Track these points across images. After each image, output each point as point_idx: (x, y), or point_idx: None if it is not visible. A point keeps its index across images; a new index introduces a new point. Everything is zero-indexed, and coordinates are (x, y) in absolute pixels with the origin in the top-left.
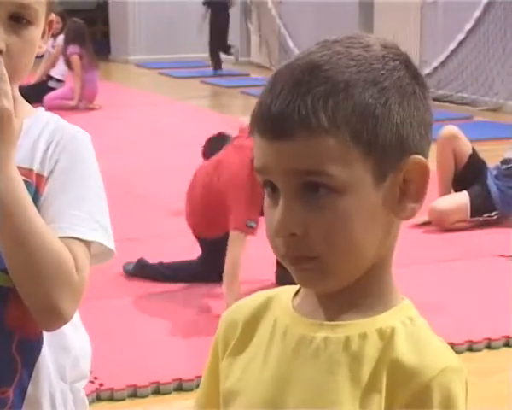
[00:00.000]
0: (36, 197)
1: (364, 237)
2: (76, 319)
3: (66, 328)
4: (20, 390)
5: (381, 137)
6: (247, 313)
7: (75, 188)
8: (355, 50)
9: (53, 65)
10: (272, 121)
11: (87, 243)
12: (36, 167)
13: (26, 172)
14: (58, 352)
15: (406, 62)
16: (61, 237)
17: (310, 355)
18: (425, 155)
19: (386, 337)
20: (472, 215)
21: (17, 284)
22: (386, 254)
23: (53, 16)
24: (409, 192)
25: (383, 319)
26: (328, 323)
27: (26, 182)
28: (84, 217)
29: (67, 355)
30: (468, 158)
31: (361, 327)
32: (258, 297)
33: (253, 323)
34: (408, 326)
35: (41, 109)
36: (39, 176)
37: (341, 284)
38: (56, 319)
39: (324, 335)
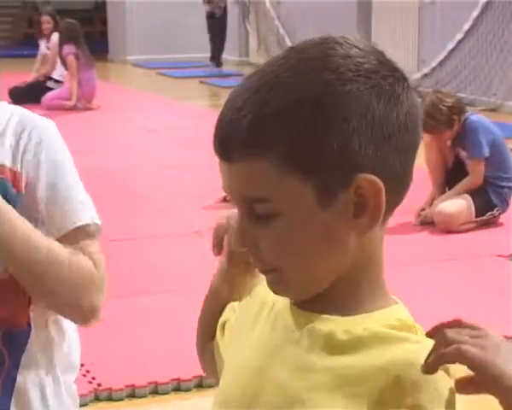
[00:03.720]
0: (12, 193)
1: (314, 255)
2: None
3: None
4: (9, 381)
5: (321, 157)
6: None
7: (65, 181)
8: (314, 62)
9: (53, 67)
10: (218, 142)
11: (90, 230)
12: (8, 162)
13: None
14: (46, 342)
15: (386, 77)
16: (72, 232)
17: (292, 341)
18: (388, 171)
19: (374, 340)
20: (476, 216)
21: (47, 299)
22: (368, 260)
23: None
24: (365, 208)
25: (375, 319)
26: (316, 315)
27: None
28: (78, 207)
29: (56, 345)
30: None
31: (347, 324)
32: None
33: (260, 299)
34: (396, 328)
35: (4, 103)
36: (13, 171)
37: (307, 294)
38: (91, 317)
39: (310, 326)
